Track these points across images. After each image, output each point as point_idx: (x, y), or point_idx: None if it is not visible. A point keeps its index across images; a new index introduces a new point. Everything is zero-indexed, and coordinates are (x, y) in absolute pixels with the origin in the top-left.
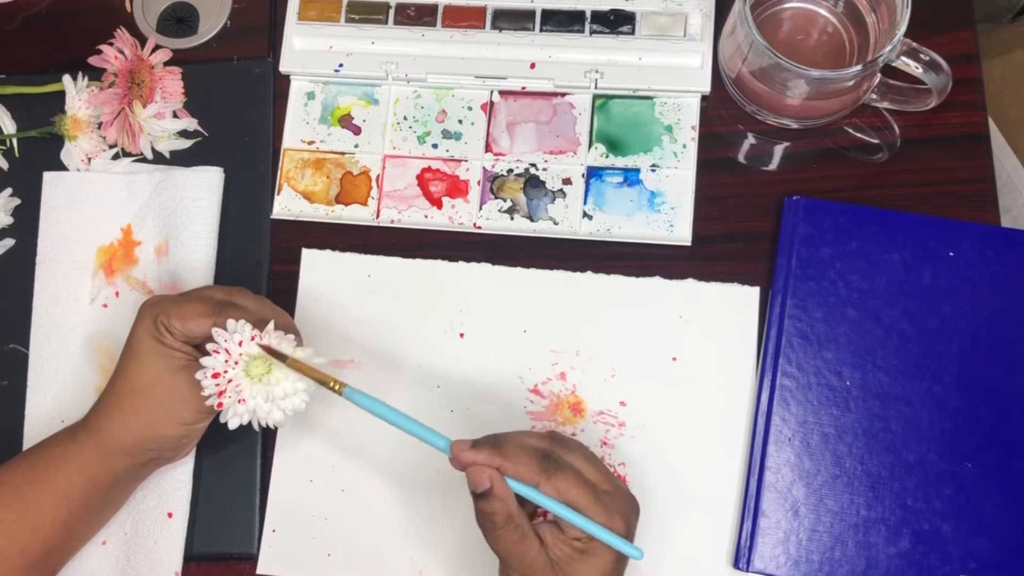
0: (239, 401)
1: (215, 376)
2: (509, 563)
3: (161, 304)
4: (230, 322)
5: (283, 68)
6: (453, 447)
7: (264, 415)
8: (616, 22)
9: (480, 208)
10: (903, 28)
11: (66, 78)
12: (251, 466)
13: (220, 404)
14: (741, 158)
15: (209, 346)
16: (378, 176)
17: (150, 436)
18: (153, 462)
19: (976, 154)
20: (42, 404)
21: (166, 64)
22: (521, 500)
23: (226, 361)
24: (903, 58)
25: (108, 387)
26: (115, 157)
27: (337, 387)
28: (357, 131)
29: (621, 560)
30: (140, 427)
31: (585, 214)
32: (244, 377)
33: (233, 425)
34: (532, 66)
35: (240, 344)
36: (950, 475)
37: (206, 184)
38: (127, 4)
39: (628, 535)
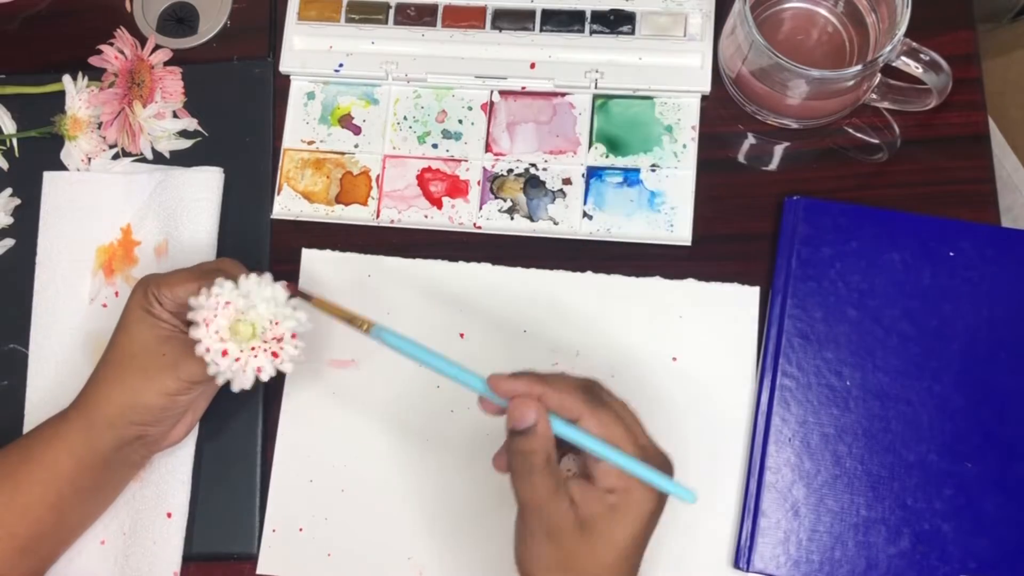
0: (235, 360)
1: (207, 349)
2: (536, 516)
3: (152, 277)
4: (215, 284)
5: (283, 68)
6: (491, 380)
7: (268, 367)
8: (616, 22)
9: (480, 208)
10: (903, 28)
11: (66, 78)
12: (251, 466)
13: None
14: (741, 158)
15: (190, 315)
16: (378, 176)
17: (131, 404)
18: (139, 441)
19: (976, 154)
20: (42, 404)
21: (166, 64)
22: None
23: (208, 326)
24: (903, 58)
25: (99, 361)
26: (115, 157)
27: (365, 327)
28: (357, 131)
29: (654, 518)
30: (123, 395)
31: (585, 214)
32: (231, 341)
33: (248, 384)
34: (532, 66)
35: (226, 305)
36: (950, 475)
37: (206, 184)
38: (127, 4)
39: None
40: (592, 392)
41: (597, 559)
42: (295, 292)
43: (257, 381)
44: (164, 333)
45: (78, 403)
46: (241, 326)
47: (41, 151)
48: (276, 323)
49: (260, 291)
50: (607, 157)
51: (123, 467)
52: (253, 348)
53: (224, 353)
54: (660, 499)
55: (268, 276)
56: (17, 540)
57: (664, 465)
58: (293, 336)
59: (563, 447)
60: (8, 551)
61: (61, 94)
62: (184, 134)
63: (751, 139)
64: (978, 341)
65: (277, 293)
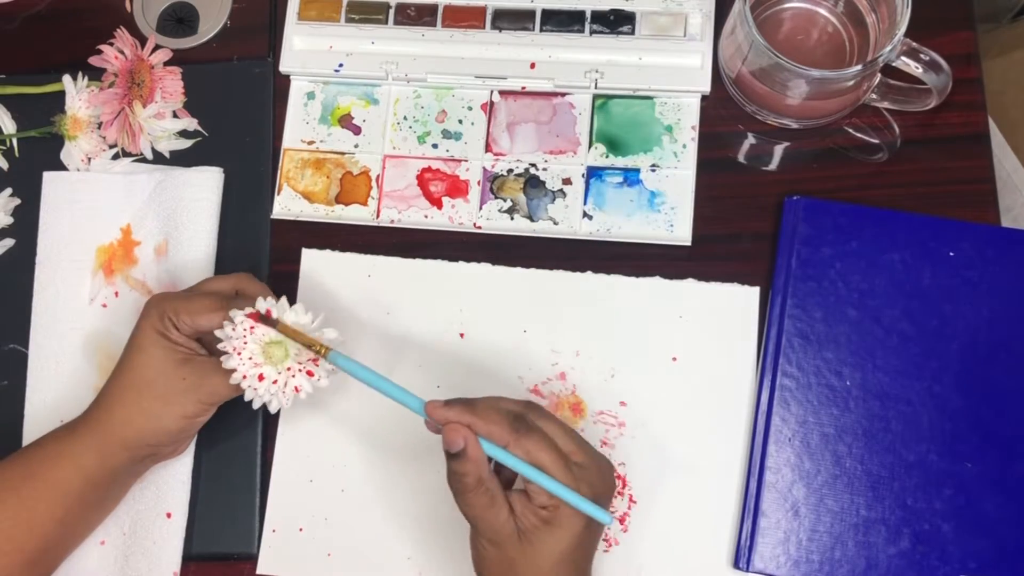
0: (273, 382)
1: (244, 377)
2: (478, 527)
3: (168, 300)
4: (233, 313)
5: (283, 68)
6: (427, 406)
7: (306, 385)
8: (616, 22)
9: (480, 208)
10: (903, 28)
11: (66, 78)
12: (251, 466)
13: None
14: (741, 158)
15: (220, 346)
16: (378, 176)
17: (151, 429)
18: (150, 458)
19: (976, 154)
20: (42, 404)
21: (166, 64)
22: (498, 470)
23: (239, 354)
24: (903, 58)
25: (110, 381)
26: (115, 157)
27: (323, 351)
28: (357, 131)
29: (589, 533)
30: (142, 420)
31: (585, 214)
32: (267, 364)
33: (287, 404)
34: (532, 66)
35: (251, 330)
36: (950, 475)
37: (206, 184)
38: (127, 4)
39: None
40: (521, 419)
41: (536, 565)
42: (258, 319)
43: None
44: (181, 357)
45: (89, 422)
46: (274, 348)
47: (41, 151)
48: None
49: (284, 317)
50: (607, 157)
51: (130, 478)
52: (289, 368)
53: (260, 378)
54: (590, 518)
55: (284, 301)
56: (25, 554)
57: (602, 482)
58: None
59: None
60: (16, 564)
61: (61, 94)
62: (184, 134)
63: (751, 139)
64: (978, 341)
65: (300, 318)
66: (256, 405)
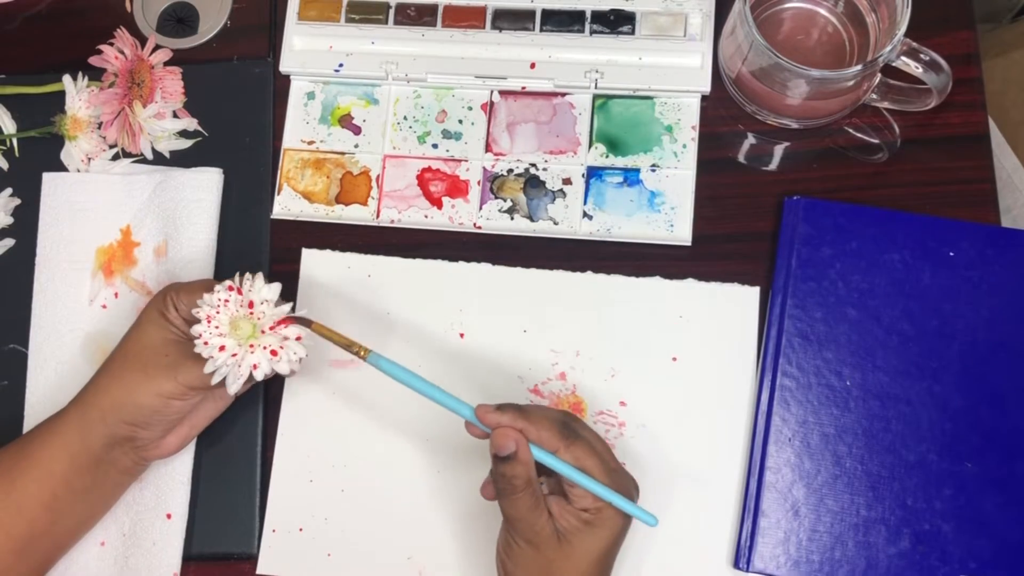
0: (232, 355)
1: (204, 343)
2: (518, 528)
3: (175, 283)
4: (218, 284)
5: (283, 68)
6: (478, 410)
7: (264, 364)
8: (616, 22)
9: (480, 208)
10: (903, 28)
11: (66, 78)
12: (251, 466)
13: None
14: (741, 158)
15: (194, 311)
16: (378, 176)
17: (125, 401)
18: (129, 443)
19: (976, 154)
20: (41, 404)
21: (166, 64)
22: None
23: (208, 321)
24: (903, 58)
25: (107, 358)
26: (115, 157)
27: (362, 353)
28: (357, 131)
29: (623, 533)
30: (118, 390)
31: (585, 214)
32: (231, 337)
33: (241, 381)
34: (532, 66)
35: (225, 303)
36: (950, 475)
37: (205, 185)
38: (127, 4)
39: None
40: (568, 427)
41: (574, 565)
42: (294, 320)
43: (257, 383)
44: (171, 337)
45: (76, 398)
46: (242, 322)
47: (41, 151)
48: (280, 322)
49: (259, 292)
50: (607, 157)
51: (114, 470)
52: (252, 345)
53: (221, 348)
54: (627, 518)
55: (260, 276)
56: (13, 541)
57: (630, 487)
58: (299, 338)
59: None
60: (4, 552)
61: (61, 94)
62: (184, 134)
63: (751, 139)
64: (978, 341)
65: (274, 294)
66: (215, 380)
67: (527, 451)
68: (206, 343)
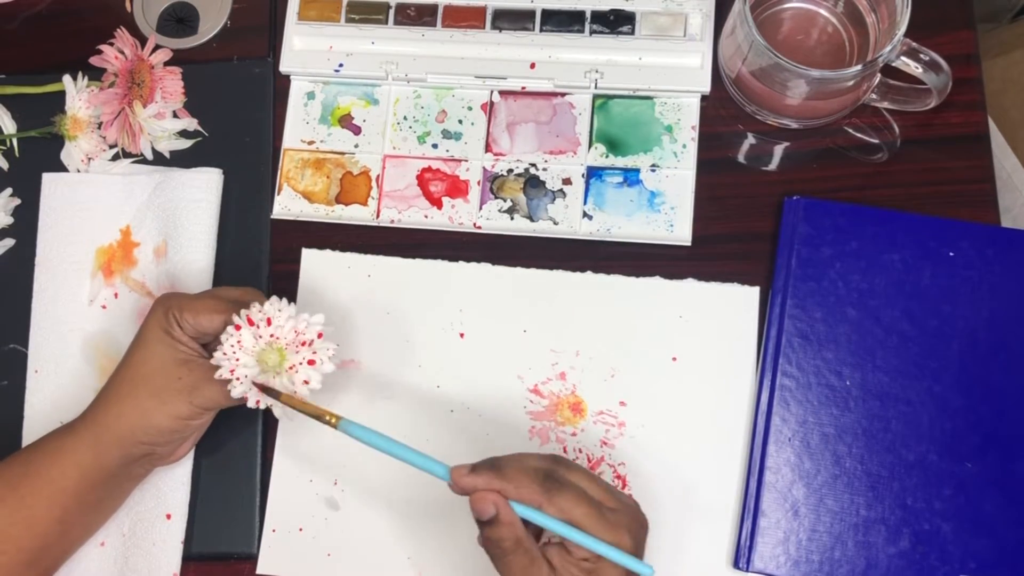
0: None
1: (231, 372)
2: None
3: (175, 298)
4: (224, 335)
5: (283, 68)
6: (452, 474)
7: (314, 375)
8: (616, 22)
9: (480, 208)
10: (903, 28)
11: (66, 78)
12: (251, 466)
13: (259, 402)
14: (741, 158)
15: (217, 375)
16: (378, 176)
17: (142, 426)
18: (146, 458)
19: (976, 154)
20: (41, 404)
21: (166, 64)
22: (526, 522)
23: (238, 379)
24: (903, 58)
25: (111, 377)
26: (115, 158)
27: (333, 420)
28: (357, 131)
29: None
30: (135, 415)
31: (585, 214)
32: (264, 373)
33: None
34: (532, 66)
35: (240, 344)
36: (950, 475)
37: (205, 185)
38: (127, 4)
39: (636, 551)
40: (551, 476)
41: None
42: (262, 389)
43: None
44: (182, 356)
45: (86, 417)
46: (267, 355)
47: (41, 151)
48: (298, 332)
49: (280, 317)
50: (607, 157)
51: (127, 481)
52: (291, 367)
53: (264, 389)
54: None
55: (283, 301)
56: (24, 554)
57: (633, 526)
58: (319, 335)
59: None
60: (15, 564)
61: (61, 94)
62: (184, 134)
63: (751, 139)
64: (978, 341)
65: (284, 306)
66: (277, 413)
67: (509, 511)
68: (258, 402)
